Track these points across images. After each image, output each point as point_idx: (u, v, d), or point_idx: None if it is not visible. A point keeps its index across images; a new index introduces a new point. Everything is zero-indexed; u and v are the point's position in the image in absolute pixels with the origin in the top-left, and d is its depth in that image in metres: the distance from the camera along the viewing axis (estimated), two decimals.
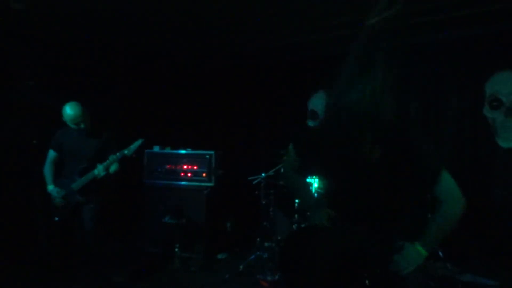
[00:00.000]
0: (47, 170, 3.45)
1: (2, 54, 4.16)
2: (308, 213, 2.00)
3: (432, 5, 3.63)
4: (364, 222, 1.85)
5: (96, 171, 3.24)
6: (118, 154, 3.29)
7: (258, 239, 4.14)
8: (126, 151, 3.31)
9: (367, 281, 1.79)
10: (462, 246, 4.17)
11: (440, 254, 3.56)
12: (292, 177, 2.17)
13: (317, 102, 5.27)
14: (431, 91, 4.54)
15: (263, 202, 4.17)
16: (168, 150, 4.66)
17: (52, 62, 4.55)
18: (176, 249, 4.16)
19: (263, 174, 4.10)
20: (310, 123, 5.27)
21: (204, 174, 4.41)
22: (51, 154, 3.46)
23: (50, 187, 3.37)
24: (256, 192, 4.23)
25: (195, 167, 4.47)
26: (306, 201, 2.04)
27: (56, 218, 3.36)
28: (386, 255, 1.79)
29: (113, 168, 3.33)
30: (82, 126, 3.29)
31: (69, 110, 3.24)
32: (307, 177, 2.16)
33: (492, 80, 4.19)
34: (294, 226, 3.76)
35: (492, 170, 4.19)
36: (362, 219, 1.86)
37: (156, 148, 4.68)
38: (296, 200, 3.76)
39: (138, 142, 3.37)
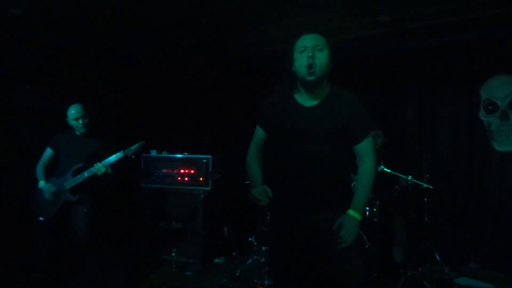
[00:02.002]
0: (40, 167, 3.47)
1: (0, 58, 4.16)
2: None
3: (427, 11, 3.66)
4: (311, 202, 1.98)
5: (95, 168, 3.25)
6: (118, 153, 3.32)
7: (255, 244, 4.13)
8: (126, 151, 3.33)
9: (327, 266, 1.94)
10: (459, 249, 4.19)
11: (437, 257, 3.56)
12: (251, 155, 2.25)
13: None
14: (426, 95, 4.57)
15: (260, 206, 4.16)
16: (165, 154, 4.65)
17: (49, 66, 4.54)
18: (173, 254, 4.14)
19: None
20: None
21: (201, 178, 4.40)
22: (48, 152, 3.50)
23: (42, 183, 3.38)
24: None
25: (192, 171, 4.47)
26: (253, 179, 2.17)
27: (41, 218, 3.36)
28: (331, 233, 1.90)
29: (109, 168, 3.34)
30: (81, 122, 3.34)
31: (73, 109, 3.39)
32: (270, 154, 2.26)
33: (487, 84, 4.23)
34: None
35: (487, 174, 4.21)
36: (308, 200, 1.98)
37: (153, 152, 4.67)
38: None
39: (139, 144, 3.41)
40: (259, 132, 2.22)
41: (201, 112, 5.87)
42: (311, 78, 1.93)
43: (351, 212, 1.91)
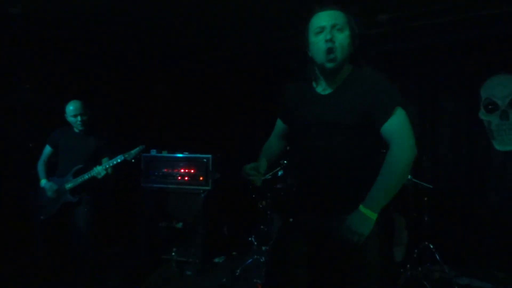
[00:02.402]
0: (41, 166, 3.47)
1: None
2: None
3: (427, 10, 3.66)
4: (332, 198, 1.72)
5: (95, 172, 3.24)
6: (118, 158, 3.30)
7: (256, 243, 4.13)
8: (126, 155, 3.31)
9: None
10: (459, 249, 4.19)
11: (437, 257, 3.56)
12: (266, 143, 2.07)
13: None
14: (426, 95, 4.56)
15: (261, 206, 4.16)
16: (165, 154, 4.65)
17: (49, 66, 4.54)
18: (173, 253, 4.14)
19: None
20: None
21: (201, 178, 4.40)
22: (47, 149, 3.50)
23: (43, 182, 3.38)
24: (254, 196, 4.22)
25: (192, 171, 4.47)
26: (259, 158, 1.99)
27: (42, 217, 3.36)
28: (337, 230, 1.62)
29: (110, 170, 3.34)
30: (79, 119, 3.32)
31: (71, 105, 3.37)
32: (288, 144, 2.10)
33: (487, 83, 4.22)
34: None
35: (488, 173, 4.21)
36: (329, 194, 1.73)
37: (153, 152, 4.67)
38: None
39: (140, 148, 3.39)
40: (279, 124, 2.02)
41: (201, 112, 5.87)
42: (331, 64, 1.65)
43: (361, 207, 1.57)
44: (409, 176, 3.65)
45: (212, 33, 4.32)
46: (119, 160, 3.30)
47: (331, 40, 1.63)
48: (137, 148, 3.38)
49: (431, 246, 3.60)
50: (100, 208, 3.49)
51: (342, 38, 1.65)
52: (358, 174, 1.67)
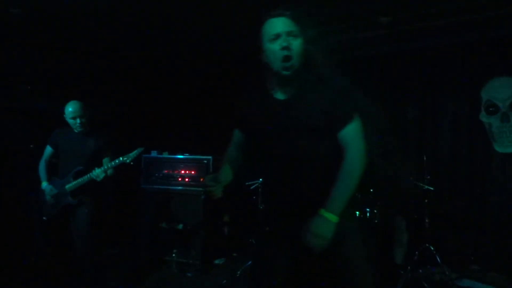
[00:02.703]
0: (42, 167, 3.46)
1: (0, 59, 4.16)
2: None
3: (428, 11, 3.66)
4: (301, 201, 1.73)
5: (94, 175, 3.24)
6: (117, 160, 3.29)
7: (255, 245, 4.12)
8: (125, 158, 3.30)
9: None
10: (460, 251, 4.18)
11: (438, 259, 3.55)
12: (230, 151, 2.01)
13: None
14: (427, 97, 4.56)
15: (261, 207, 4.16)
16: (165, 155, 4.65)
17: (49, 67, 4.54)
18: (173, 254, 4.14)
19: (260, 179, 4.10)
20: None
21: (201, 179, 4.40)
22: (48, 150, 3.49)
23: (44, 184, 3.38)
24: (254, 197, 4.22)
25: (193, 172, 4.47)
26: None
27: (44, 218, 3.37)
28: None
29: (109, 172, 3.33)
30: (78, 121, 3.31)
31: (70, 106, 3.33)
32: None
33: (488, 85, 4.22)
34: None
35: (488, 176, 4.21)
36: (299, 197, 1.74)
37: (154, 153, 4.67)
38: None
39: (138, 151, 3.37)
40: (237, 135, 1.98)
41: (202, 113, 5.86)
42: (288, 72, 1.66)
43: (322, 211, 1.61)
44: (410, 178, 3.65)
45: (215, 34, 4.32)
46: (118, 162, 3.29)
47: (287, 48, 1.63)
48: (136, 151, 3.36)
49: (432, 248, 3.60)
50: (100, 209, 3.48)
51: (297, 44, 1.65)
52: (326, 175, 1.68)
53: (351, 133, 1.67)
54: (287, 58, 1.63)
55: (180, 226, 4.29)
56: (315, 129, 1.68)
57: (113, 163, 3.28)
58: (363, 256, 1.74)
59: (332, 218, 1.61)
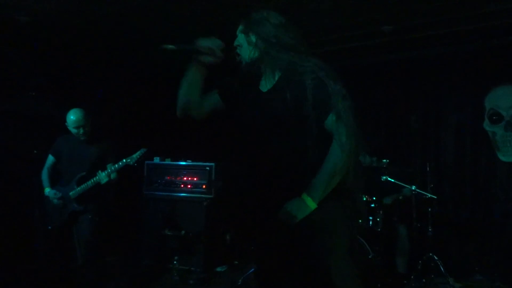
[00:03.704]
0: (45, 174, 3.46)
1: (6, 65, 4.20)
2: None
3: (431, 20, 3.67)
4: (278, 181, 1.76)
5: (98, 178, 3.24)
6: (120, 162, 3.30)
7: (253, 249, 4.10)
8: (128, 160, 3.31)
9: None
10: (464, 260, 4.14)
11: (442, 268, 3.52)
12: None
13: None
14: (431, 106, 4.56)
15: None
16: (168, 162, 4.66)
17: (54, 72, 4.58)
18: (175, 262, 4.12)
19: None
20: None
21: (204, 186, 4.40)
22: (50, 159, 3.49)
23: (47, 190, 3.37)
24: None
25: (195, 179, 4.46)
26: None
27: (49, 227, 3.36)
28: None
29: (113, 176, 3.33)
30: (81, 131, 3.32)
31: (72, 115, 3.32)
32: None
33: (492, 94, 4.21)
34: None
35: (492, 185, 4.18)
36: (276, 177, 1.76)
37: (156, 160, 4.68)
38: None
39: (141, 152, 3.38)
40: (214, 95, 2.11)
41: (204, 120, 5.86)
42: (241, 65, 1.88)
43: (303, 195, 1.67)
44: (413, 187, 3.63)
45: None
46: (121, 165, 3.30)
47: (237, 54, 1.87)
48: (139, 152, 3.37)
49: (436, 258, 3.57)
50: (104, 216, 3.48)
51: (243, 50, 1.85)
52: (305, 168, 1.71)
53: (332, 125, 1.69)
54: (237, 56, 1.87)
55: (182, 233, 4.28)
56: (289, 121, 1.72)
57: (117, 166, 3.29)
58: (342, 253, 1.72)
59: (309, 201, 1.66)
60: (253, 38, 1.80)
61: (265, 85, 1.85)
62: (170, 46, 1.86)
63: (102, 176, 3.24)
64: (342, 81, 1.74)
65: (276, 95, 1.76)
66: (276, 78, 1.81)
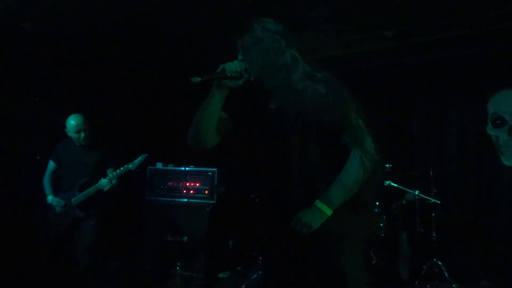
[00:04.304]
0: (46, 181, 3.46)
1: (8, 71, 4.22)
2: None
3: (433, 25, 3.67)
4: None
5: (100, 185, 3.24)
6: (122, 168, 3.30)
7: (261, 258, 4.08)
8: (130, 166, 3.31)
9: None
10: (468, 266, 4.11)
11: (446, 274, 3.49)
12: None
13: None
14: (433, 110, 4.55)
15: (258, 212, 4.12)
16: (170, 167, 4.65)
17: (56, 79, 4.60)
18: (177, 267, 4.11)
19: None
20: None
21: (206, 191, 4.39)
22: (51, 165, 3.50)
23: (50, 198, 3.37)
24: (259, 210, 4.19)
25: (198, 184, 4.46)
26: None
27: (52, 234, 3.35)
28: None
29: (113, 182, 3.33)
30: (82, 136, 3.32)
31: (72, 120, 3.33)
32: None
33: (495, 98, 4.20)
34: None
35: (496, 189, 4.15)
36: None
37: (159, 165, 4.68)
38: None
39: (143, 157, 3.39)
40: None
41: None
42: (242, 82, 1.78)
43: (317, 202, 1.63)
44: (417, 192, 3.61)
45: (222, 46, 4.35)
46: (123, 170, 3.30)
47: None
48: (140, 157, 3.37)
49: (440, 263, 3.54)
50: (106, 222, 3.48)
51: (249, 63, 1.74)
52: (320, 182, 1.68)
53: (351, 137, 1.66)
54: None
55: (185, 239, 4.26)
56: (304, 135, 1.68)
57: (118, 172, 3.29)
58: (358, 259, 1.72)
59: (324, 208, 1.62)
60: (253, 55, 1.73)
61: (273, 102, 1.80)
62: (197, 79, 1.73)
63: (104, 183, 3.24)
64: (347, 88, 1.70)
65: (284, 111, 1.72)
66: (283, 93, 1.74)
